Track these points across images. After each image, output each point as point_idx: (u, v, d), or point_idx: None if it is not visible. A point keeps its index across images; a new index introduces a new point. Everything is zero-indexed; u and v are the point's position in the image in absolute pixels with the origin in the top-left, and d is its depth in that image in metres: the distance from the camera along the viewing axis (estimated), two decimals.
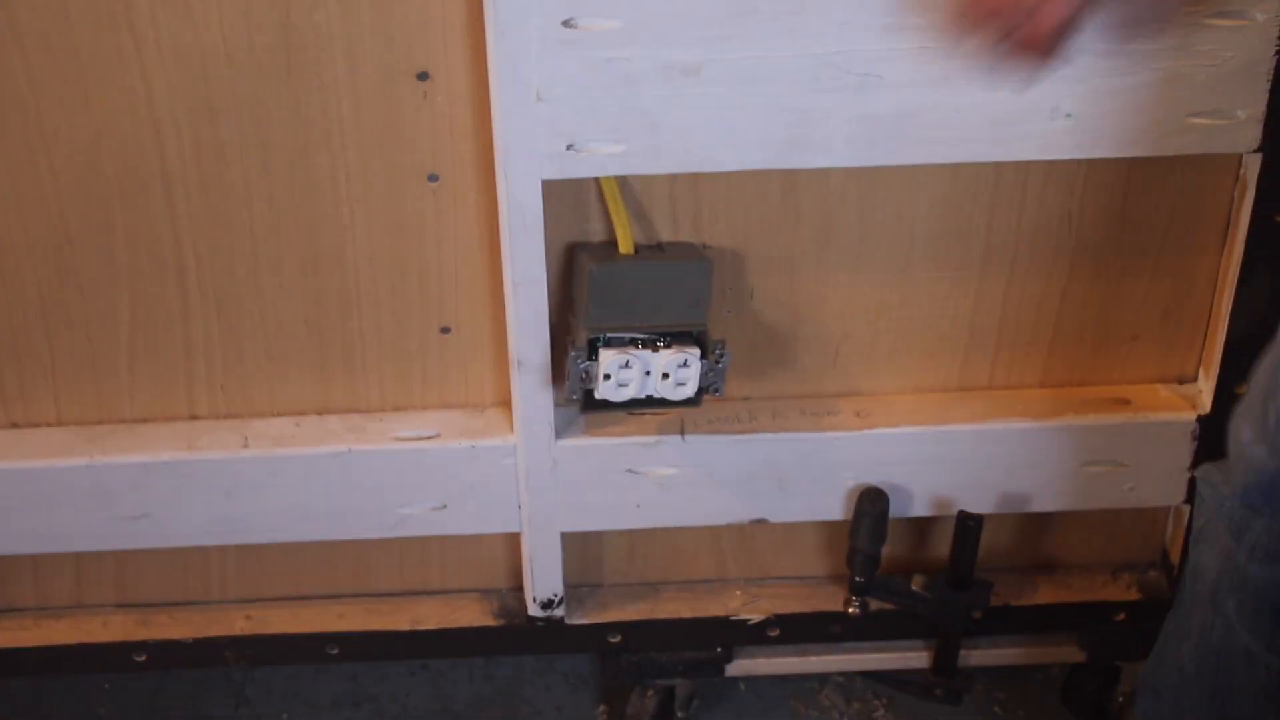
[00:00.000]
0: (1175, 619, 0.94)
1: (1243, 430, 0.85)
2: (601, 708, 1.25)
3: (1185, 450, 1.03)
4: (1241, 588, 0.84)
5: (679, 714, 1.24)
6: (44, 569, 1.13)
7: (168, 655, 1.13)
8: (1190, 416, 1.01)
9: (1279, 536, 0.84)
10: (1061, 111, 0.89)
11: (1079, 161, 0.94)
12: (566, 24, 0.87)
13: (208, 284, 0.98)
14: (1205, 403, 1.02)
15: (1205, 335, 1.04)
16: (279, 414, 1.04)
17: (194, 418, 1.02)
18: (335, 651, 1.12)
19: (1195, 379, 1.07)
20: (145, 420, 1.02)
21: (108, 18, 0.89)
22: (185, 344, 1.00)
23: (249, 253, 0.97)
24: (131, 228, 0.97)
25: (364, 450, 1.01)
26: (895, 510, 1.06)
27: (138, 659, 1.11)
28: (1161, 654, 0.95)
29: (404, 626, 1.13)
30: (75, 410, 1.03)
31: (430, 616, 1.13)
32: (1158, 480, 1.06)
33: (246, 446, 1.01)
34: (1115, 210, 0.99)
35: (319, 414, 1.04)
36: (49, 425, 1.04)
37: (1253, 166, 0.94)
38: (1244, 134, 0.90)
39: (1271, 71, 0.88)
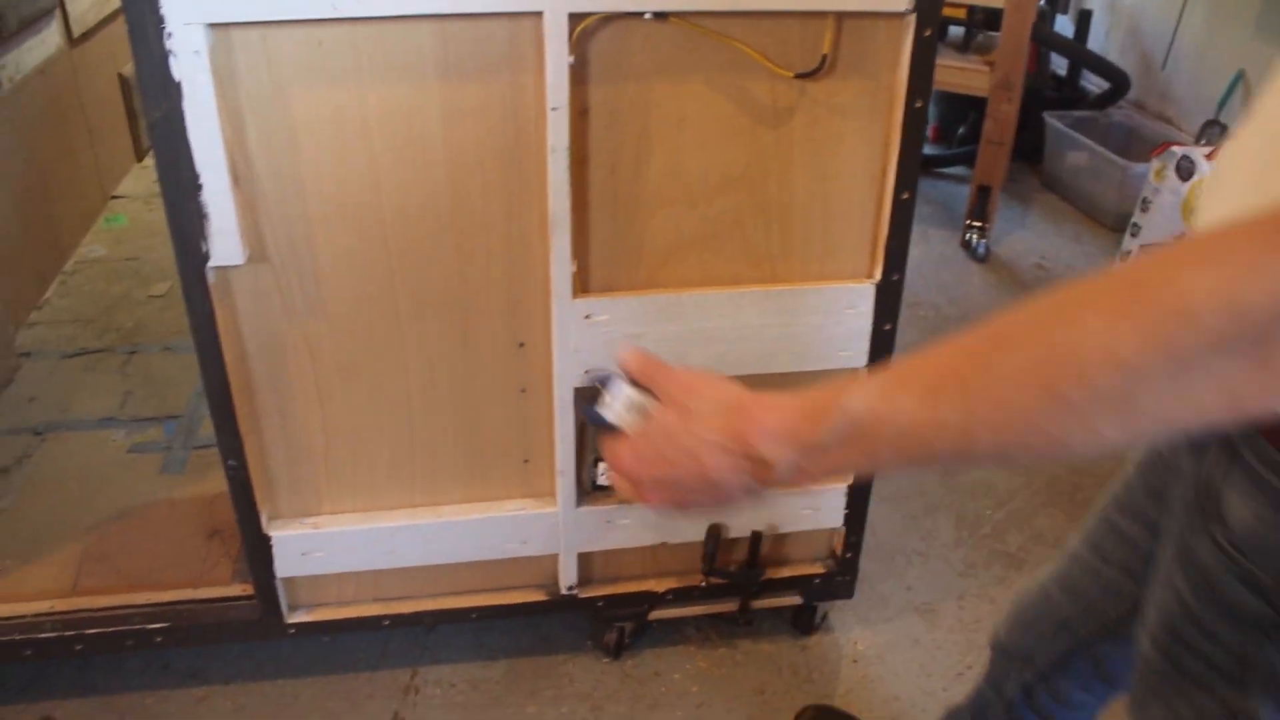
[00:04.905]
0: None
1: None
2: (589, 640, 1.82)
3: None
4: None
5: (627, 640, 1.77)
6: (332, 581, 1.62)
7: (398, 620, 1.66)
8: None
9: None
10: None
11: None
12: (586, 317, 1.39)
13: (424, 443, 1.50)
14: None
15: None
16: (451, 503, 1.56)
17: (414, 505, 1.57)
18: (474, 616, 1.68)
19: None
20: (395, 508, 1.56)
21: None
22: (410, 469, 1.52)
23: (450, 421, 1.48)
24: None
25: (494, 517, 1.56)
26: (726, 536, 1.65)
27: (384, 624, 1.66)
28: None
29: (510, 601, 1.67)
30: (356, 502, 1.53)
31: (519, 596, 1.68)
32: (831, 514, 1.67)
33: (440, 516, 1.56)
34: None
35: (470, 501, 1.56)
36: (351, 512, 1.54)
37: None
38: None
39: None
